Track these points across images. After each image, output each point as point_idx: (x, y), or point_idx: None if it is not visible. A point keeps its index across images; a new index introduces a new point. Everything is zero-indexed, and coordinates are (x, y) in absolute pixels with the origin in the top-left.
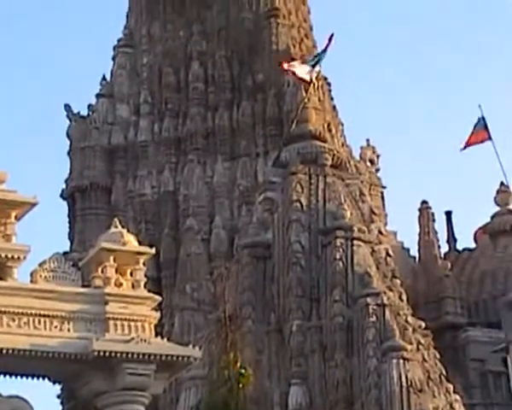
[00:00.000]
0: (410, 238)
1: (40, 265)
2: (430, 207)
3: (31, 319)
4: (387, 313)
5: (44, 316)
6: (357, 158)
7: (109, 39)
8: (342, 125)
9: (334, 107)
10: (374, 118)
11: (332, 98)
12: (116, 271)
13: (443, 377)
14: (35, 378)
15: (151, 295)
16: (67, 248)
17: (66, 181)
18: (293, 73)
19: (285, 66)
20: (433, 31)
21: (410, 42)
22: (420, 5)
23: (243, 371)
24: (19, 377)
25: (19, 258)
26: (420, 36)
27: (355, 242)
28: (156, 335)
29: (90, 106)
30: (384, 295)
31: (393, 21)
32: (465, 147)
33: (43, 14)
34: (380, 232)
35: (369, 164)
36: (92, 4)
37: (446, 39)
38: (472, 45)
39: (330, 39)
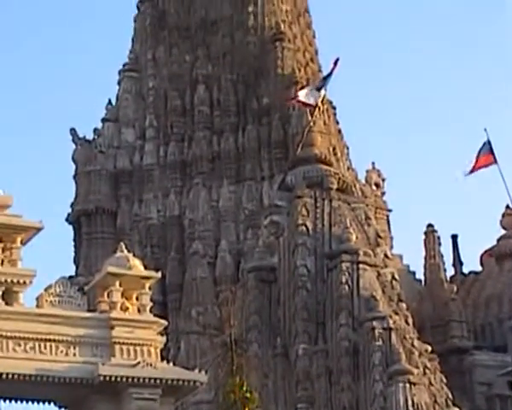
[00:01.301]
0: (415, 262)
1: (46, 289)
2: (436, 231)
3: (36, 343)
4: (393, 336)
5: (50, 341)
6: (363, 181)
7: (115, 64)
8: (348, 148)
9: (339, 130)
10: (379, 141)
11: (337, 122)
12: (122, 295)
13: (449, 401)
14: (41, 403)
15: (157, 319)
16: (73, 273)
17: (71, 205)
18: (299, 101)
19: (292, 100)
20: (438, 54)
21: (414, 66)
22: (424, 30)
23: (249, 395)
24: (24, 403)
25: (24, 283)
26: (424, 60)
27: (361, 265)
28: (162, 359)
29: (95, 130)
30: (390, 318)
31: (398, 46)
32: (471, 171)
33: (48, 38)
34: (385, 256)
35: (374, 187)
36: (97, 29)
37: (451, 62)
38: (477, 69)
39: (336, 63)
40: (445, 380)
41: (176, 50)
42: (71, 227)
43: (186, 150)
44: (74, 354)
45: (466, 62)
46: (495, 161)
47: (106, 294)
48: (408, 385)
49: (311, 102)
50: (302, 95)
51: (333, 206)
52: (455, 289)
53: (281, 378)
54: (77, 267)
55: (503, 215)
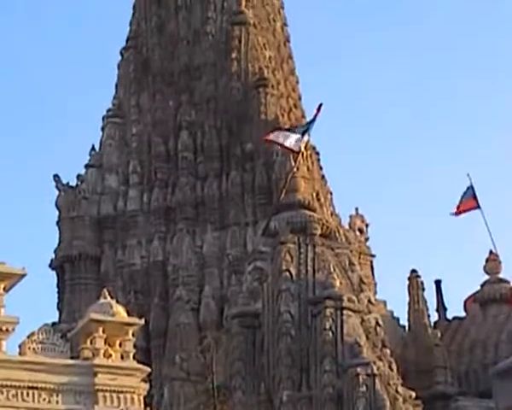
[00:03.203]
0: (399, 307)
1: (29, 337)
2: (419, 276)
3: (19, 391)
4: (378, 382)
5: (33, 388)
6: (347, 227)
7: (98, 110)
8: (331, 194)
9: (322, 176)
10: (363, 187)
11: (321, 167)
12: (105, 342)
13: None
14: None
15: (140, 366)
16: (56, 319)
17: (55, 251)
18: (280, 144)
19: (270, 136)
20: (420, 100)
21: (396, 111)
22: (405, 78)
23: None
24: None
25: (7, 330)
26: (406, 105)
27: (345, 311)
28: (145, 406)
29: (78, 176)
30: (374, 364)
31: (380, 92)
32: (455, 215)
33: (32, 84)
34: (369, 302)
35: (358, 233)
36: (81, 75)
37: (433, 108)
38: (459, 115)
39: (319, 109)
40: None
41: (159, 96)
42: (54, 273)
43: (170, 196)
44: (57, 402)
45: (448, 107)
46: (478, 206)
47: (89, 340)
48: None
49: (293, 146)
50: (282, 138)
51: (316, 252)
52: (439, 334)
53: None
54: (60, 314)
55: (487, 260)
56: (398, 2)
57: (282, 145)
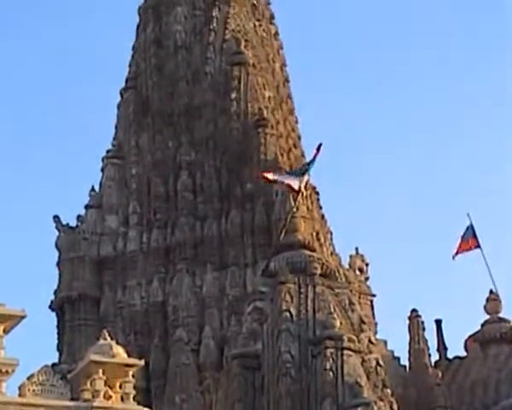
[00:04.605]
0: (400, 347)
1: (28, 378)
2: (420, 316)
3: None
4: None
5: None
6: (347, 267)
7: (98, 151)
8: (331, 233)
9: (322, 216)
10: (363, 226)
11: (320, 207)
12: (105, 383)
13: None
14: None
15: (140, 407)
16: (56, 360)
17: (54, 292)
18: (279, 182)
19: (269, 176)
20: (420, 140)
21: (396, 150)
22: (405, 117)
23: None
24: None
25: (7, 372)
26: (406, 144)
27: (345, 351)
28: None
29: (78, 217)
30: (375, 405)
31: (380, 131)
32: (455, 254)
33: (31, 125)
34: (370, 341)
35: (358, 273)
36: (81, 116)
37: (433, 147)
38: (460, 156)
39: (318, 149)
40: None
41: (159, 137)
42: (54, 314)
43: (169, 236)
44: None
45: (448, 147)
46: (478, 246)
47: (89, 382)
48: None
49: (295, 186)
50: (279, 176)
51: (316, 291)
52: (440, 374)
53: None
54: (60, 355)
55: (487, 300)
56: (398, 45)
57: (281, 183)
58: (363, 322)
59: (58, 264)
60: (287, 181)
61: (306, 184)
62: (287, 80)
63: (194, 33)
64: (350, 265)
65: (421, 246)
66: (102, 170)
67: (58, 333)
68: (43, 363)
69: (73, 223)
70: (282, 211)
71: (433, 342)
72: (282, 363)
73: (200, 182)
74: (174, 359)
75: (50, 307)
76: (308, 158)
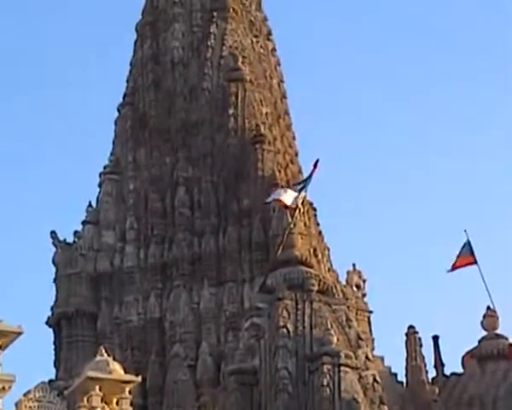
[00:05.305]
0: (397, 363)
1: (25, 394)
2: (417, 332)
3: None
4: None
5: None
6: (344, 283)
7: (95, 166)
8: (328, 249)
9: (319, 232)
10: (360, 242)
11: (318, 223)
12: (102, 400)
13: None
14: None
15: None
16: (53, 376)
17: (51, 308)
18: (279, 201)
19: (270, 198)
20: (416, 155)
21: (394, 167)
22: (403, 133)
23: None
24: None
25: (3, 388)
26: (403, 160)
27: (342, 368)
28: None
29: (75, 233)
30: None
31: (377, 146)
32: (451, 270)
33: (29, 140)
34: (367, 358)
35: (355, 289)
36: (78, 132)
37: (430, 162)
38: (457, 172)
39: (315, 165)
40: None
41: (156, 153)
42: (51, 330)
43: (166, 252)
44: None
45: (445, 163)
46: (475, 262)
47: (86, 398)
48: None
49: (291, 203)
50: (280, 194)
51: (314, 308)
52: (437, 390)
53: None
54: (57, 371)
55: (484, 316)
56: (396, 63)
57: (279, 201)
58: (361, 338)
59: (55, 280)
60: (284, 200)
61: (303, 200)
62: (284, 96)
63: (192, 49)
64: (347, 281)
65: (418, 262)
66: (99, 185)
67: (55, 349)
68: (39, 379)
69: (70, 239)
70: (280, 227)
71: (430, 359)
72: (279, 379)
73: (198, 198)
74: (171, 375)
75: (47, 323)
76: (305, 174)
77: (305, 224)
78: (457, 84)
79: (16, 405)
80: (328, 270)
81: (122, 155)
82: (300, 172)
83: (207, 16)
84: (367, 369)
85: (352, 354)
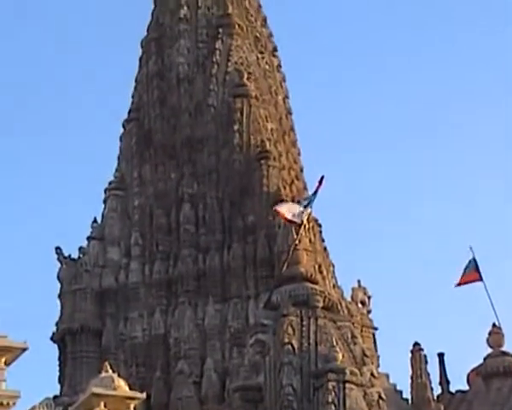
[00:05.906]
0: (402, 380)
1: None
2: (422, 349)
3: None
4: None
5: None
6: (349, 299)
7: (100, 182)
8: (333, 266)
9: (325, 248)
10: (365, 259)
11: (323, 240)
12: None
13: None
14: None
15: None
16: (58, 392)
17: (56, 324)
18: (284, 217)
19: (276, 208)
20: (422, 172)
21: (399, 183)
22: (407, 146)
23: None
24: None
25: (8, 404)
26: (409, 179)
27: (347, 385)
28: None
29: (80, 249)
30: None
31: (381, 162)
32: (457, 285)
33: (34, 156)
34: (372, 375)
35: (360, 305)
36: (83, 148)
37: (435, 180)
38: (462, 189)
39: (321, 181)
40: None
41: (161, 168)
42: (56, 346)
43: (171, 268)
44: None
45: (450, 179)
46: (481, 279)
47: None
48: None
49: (297, 219)
50: (285, 210)
51: (319, 324)
52: (442, 408)
53: None
54: (61, 387)
55: (490, 333)
56: (401, 75)
57: (285, 218)
58: (366, 355)
59: (60, 296)
60: (290, 216)
61: (308, 216)
62: (289, 112)
63: (197, 65)
64: (352, 297)
65: (423, 279)
66: (105, 201)
67: (59, 365)
68: (44, 395)
69: (75, 255)
70: (285, 243)
71: (435, 376)
72: (284, 396)
73: (203, 214)
74: (176, 391)
75: (52, 338)
76: (310, 190)
77: (310, 240)
78: (464, 93)
79: None
80: (333, 286)
81: (127, 171)
82: (305, 188)
83: (213, 32)
84: (372, 386)
85: (357, 370)
